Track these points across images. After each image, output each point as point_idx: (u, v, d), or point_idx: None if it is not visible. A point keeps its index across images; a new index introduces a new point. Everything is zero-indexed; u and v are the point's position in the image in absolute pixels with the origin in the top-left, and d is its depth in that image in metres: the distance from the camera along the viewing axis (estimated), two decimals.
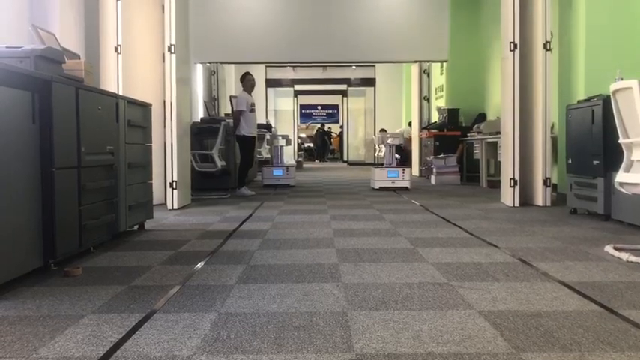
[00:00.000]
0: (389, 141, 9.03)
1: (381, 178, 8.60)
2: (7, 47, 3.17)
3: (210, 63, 11.92)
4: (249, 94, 8.17)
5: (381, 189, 8.52)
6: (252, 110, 8.16)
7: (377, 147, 14.14)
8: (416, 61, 12.31)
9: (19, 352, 1.93)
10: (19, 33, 4.73)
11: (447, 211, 5.83)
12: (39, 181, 3.01)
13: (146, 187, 4.72)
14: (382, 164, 9.47)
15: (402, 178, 8.50)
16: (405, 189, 8.49)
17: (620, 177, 3.56)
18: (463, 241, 4.09)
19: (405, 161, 12.67)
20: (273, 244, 4.03)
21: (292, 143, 18.95)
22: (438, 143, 10.96)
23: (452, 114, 11.18)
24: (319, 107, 28.00)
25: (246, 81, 8.18)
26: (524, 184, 6.40)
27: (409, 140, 13.29)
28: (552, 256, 3.52)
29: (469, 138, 10.31)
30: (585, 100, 5.48)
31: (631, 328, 2.13)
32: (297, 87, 21.97)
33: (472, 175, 10.34)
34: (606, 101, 4.81)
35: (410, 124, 14.15)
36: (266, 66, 18.29)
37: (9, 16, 4.77)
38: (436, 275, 3.01)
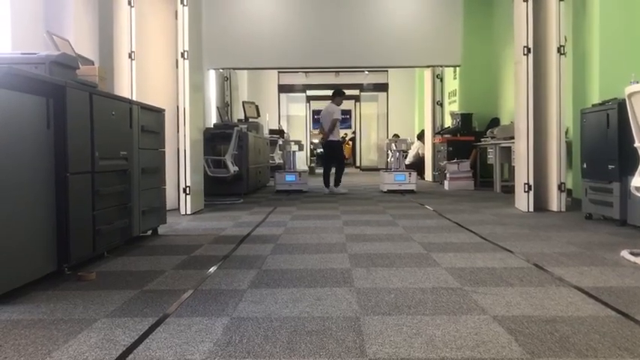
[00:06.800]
0: (395, 146, 9.49)
1: (389, 181, 9.16)
2: (22, 53, 3.21)
3: (222, 69, 11.97)
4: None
5: (389, 191, 9.08)
6: None
7: (388, 152, 14.13)
8: (429, 66, 12.28)
9: (33, 356, 1.94)
10: (35, 39, 4.78)
11: (460, 216, 5.79)
12: (53, 186, 3.04)
13: (159, 192, 4.75)
14: (391, 168, 9.62)
15: (409, 182, 9.10)
16: (412, 191, 9.02)
17: (636, 181, 3.52)
18: (477, 246, 4.06)
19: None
20: (286, 249, 4.02)
21: (305, 149, 18.98)
22: (451, 148, 10.93)
23: (465, 119, 11.12)
24: None
25: (340, 98, 9.48)
26: (539, 189, 6.34)
27: (422, 159, 13.16)
28: (567, 261, 3.48)
29: (482, 143, 10.25)
30: (600, 104, 5.43)
31: None
32: (310, 92, 21.98)
33: (486, 180, 10.28)
34: (621, 105, 4.76)
35: (420, 136, 13.98)
36: (278, 72, 18.36)
37: (24, 23, 4.83)
38: (449, 280, 2.98)
